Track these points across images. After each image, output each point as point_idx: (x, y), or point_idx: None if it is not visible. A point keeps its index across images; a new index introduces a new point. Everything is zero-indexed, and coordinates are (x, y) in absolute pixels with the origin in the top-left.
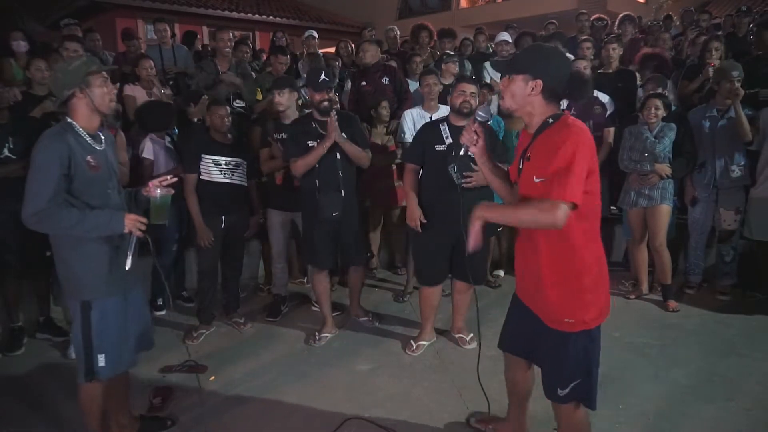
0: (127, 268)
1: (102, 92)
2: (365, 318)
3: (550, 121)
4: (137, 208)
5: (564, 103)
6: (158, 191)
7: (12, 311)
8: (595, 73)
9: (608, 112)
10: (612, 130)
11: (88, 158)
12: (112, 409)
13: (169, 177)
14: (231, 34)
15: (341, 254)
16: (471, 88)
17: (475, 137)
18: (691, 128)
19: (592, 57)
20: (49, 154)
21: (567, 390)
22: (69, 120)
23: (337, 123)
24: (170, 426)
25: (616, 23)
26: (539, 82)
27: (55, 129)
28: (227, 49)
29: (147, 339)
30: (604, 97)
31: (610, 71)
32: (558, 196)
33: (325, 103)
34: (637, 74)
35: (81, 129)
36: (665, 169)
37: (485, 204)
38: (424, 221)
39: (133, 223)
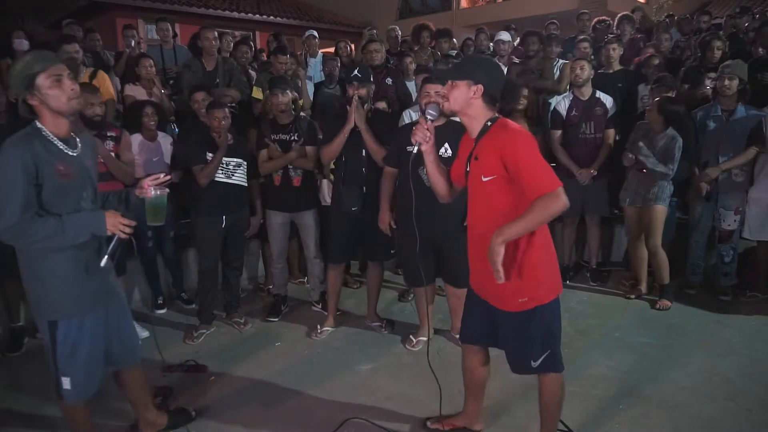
0: (102, 265)
1: (56, 93)
2: (377, 323)
3: (489, 124)
4: (128, 210)
5: None
6: (153, 191)
7: (12, 311)
8: (596, 74)
9: (610, 114)
10: (612, 131)
11: (59, 165)
12: (135, 407)
13: (162, 175)
14: (215, 33)
15: (363, 250)
16: (436, 88)
17: (427, 135)
18: (695, 129)
19: (592, 57)
20: (10, 164)
21: (539, 362)
22: (37, 124)
23: (362, 113)
24: (195, 417)
25: (615, 23)
26: (480, 87)
27: (19, 135)
28: (212, 48)
29: (131, 356)
30: (606, 99)
31: (611, 71)
32: (550, 188)
33: (356, 98)
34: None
35: (49, 133)
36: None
37: (496, 232)
38: (394, 226)
39: (115, 225)
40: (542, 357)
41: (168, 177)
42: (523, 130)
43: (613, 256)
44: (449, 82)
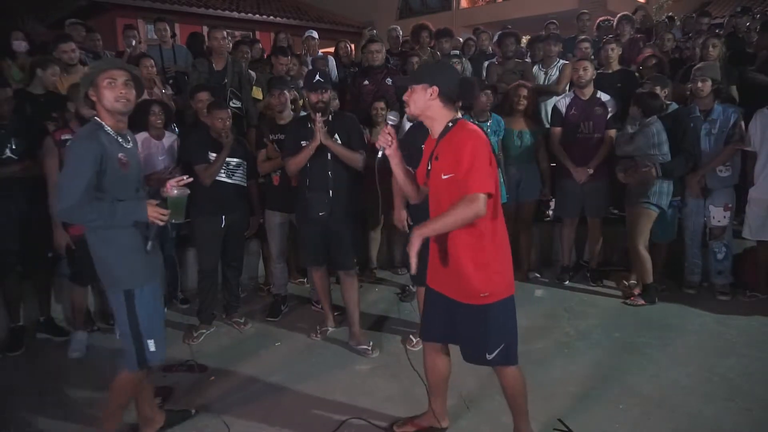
0: (147, 250)
1: (109, 92)
2: (363, 347)
3: (450, 125)
4: None
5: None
6: (175, 190)
7: (12, 311)
8: (596, 74)
9: (610, 113)
10: (613, 131)
11: (120, 155)
12: (138, 399)
13: (185, 177)
14: (225, 33)
15: (330, 257)
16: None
17: (389, 139)
18: (692, 127)
19: (592, 57)
20: (83, 152)
21: (494, 354)
22: (98, 120)
23: (323, 124)
24: (194, 414)
25: (614, 23)
26: (435, 88)
27: (88, 127)
28: (221, 48)
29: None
30: (605, 98)
31: (610, 71)
32: (474, 189)
33: (321, 104)
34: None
35: (109, 128)
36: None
37: (417, 227)
38: (411, 223)
39: (154, 213)
40: (497, 350)
41: (191, 179)
42: (481, 133)
43: (615, 256)
44: (409, 88)
